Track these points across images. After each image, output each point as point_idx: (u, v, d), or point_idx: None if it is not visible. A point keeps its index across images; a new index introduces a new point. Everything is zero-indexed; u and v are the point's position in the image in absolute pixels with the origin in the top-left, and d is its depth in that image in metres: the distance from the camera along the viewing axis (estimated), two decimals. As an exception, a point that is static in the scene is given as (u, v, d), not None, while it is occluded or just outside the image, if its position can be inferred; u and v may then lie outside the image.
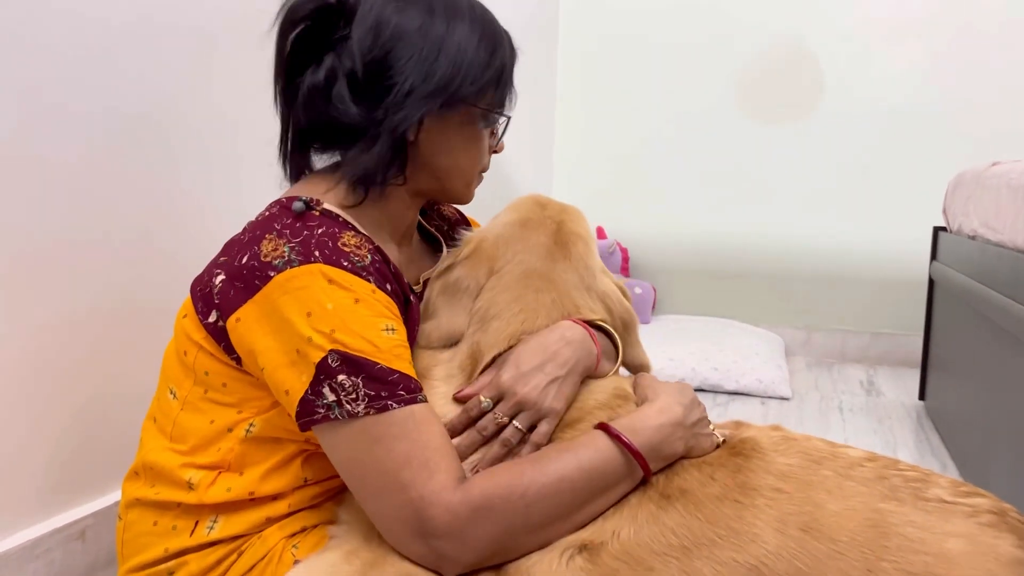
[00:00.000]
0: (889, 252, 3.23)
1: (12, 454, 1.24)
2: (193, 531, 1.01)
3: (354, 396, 0.89)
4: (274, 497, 1.02)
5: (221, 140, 1.58)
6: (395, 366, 0.91)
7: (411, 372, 0.93)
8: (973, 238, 2.06)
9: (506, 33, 1.10)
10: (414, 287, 1.14)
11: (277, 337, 0.92)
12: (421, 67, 1.00)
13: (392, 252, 1.11)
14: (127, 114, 1.37)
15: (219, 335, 0.98)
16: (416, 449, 0.88)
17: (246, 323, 0.94)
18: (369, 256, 0.97)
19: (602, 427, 0.94)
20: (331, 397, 0.89)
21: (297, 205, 0.99)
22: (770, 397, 2.74)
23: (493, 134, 1.15)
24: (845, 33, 3.21)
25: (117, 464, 1.31)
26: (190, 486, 1.01)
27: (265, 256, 0.94)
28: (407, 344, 0.97)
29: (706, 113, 3.42)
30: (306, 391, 0.90)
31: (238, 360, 0.98)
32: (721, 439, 1.01)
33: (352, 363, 0.89)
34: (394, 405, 0.89)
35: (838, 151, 3.26)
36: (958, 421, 2.14)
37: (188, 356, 1.03)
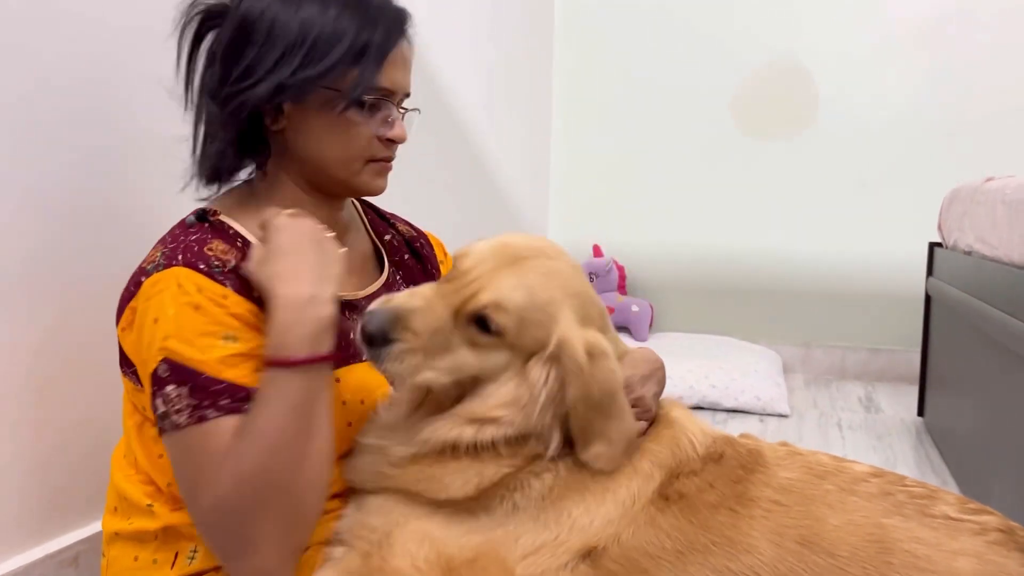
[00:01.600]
0: (886, 268, 3.23)
1: (4, 479, 1.22)
2: (174, 563, 0.99)
3: (179, 408, 0.89)
4: None
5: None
6: (224, 376, 0.90)
7: (245, 381, 0.91)
8: (969, 253, 2.07)
9: (390, 12, 1.05)
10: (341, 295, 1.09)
11: (138, 344, 0.95)
12: (258, 50, 0.99)
13: None
14: (117, 142, 1.37)
15: (121, 351, 1.01)
16: (208, 460, 0.88)
17: (126, 329, 0.97)
18: (234, 261, 0.97)
19: (266, 364, 0.90)
20: (161, 409, 0.90)
21: (189, 218, 1.02)
22: (769, 414, 2.73)
23: (387, 121, 1.07)
24: (841, 51, 3.24)
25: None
26: (153, 513, 1.01)
27: (144, 263, 0.98)
28: (253, 353, 0.94)
29: (703, 130, 3.43)
30: (151, 404, 0.92)
31: (135, 373, 0.99)
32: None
33: (179, 372, 0.90)
34: (213, 414, 0.89)
35: (834, 168, 3.28)
36: (957, 437, 2.14)
37: (128, 392, 1.05)
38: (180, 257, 0.95)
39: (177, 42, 1.05)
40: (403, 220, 1.34)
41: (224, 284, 0.95)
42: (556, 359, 0.91)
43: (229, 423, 0.89)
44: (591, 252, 3.54)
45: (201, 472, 0.88)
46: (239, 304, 0.95)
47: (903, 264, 3.15)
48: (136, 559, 1.02)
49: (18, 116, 1.19)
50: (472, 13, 2.84)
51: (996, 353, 1.72)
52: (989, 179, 2.04)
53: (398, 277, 1.23)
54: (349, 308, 1.10)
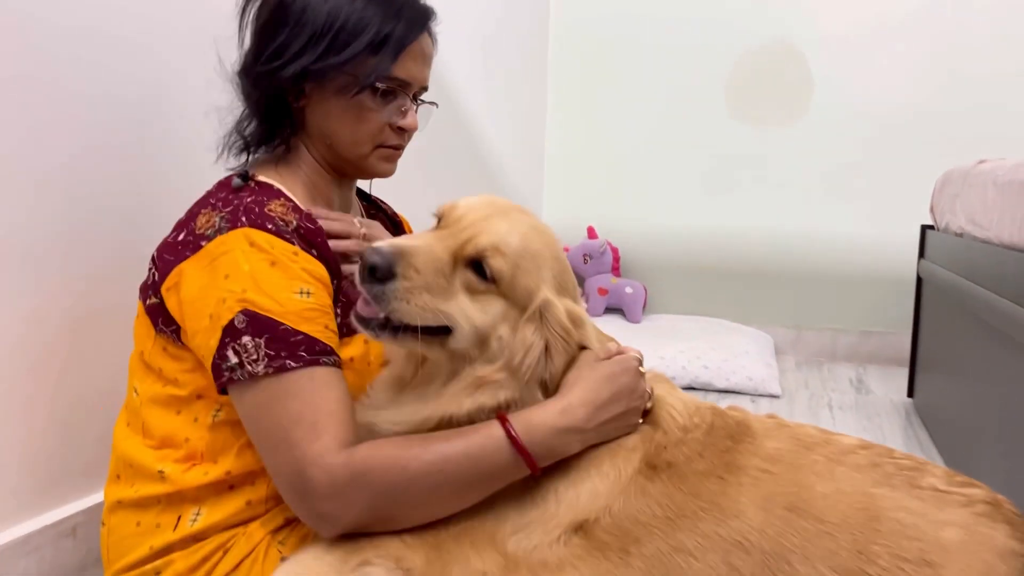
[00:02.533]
0: (878, 250, 3.25)
1: (3, 451, 1.23)
2: (176, 525, 1.01)
3: (255, 357, 0.91)
4: (251, 477, 1.03)
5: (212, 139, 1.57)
6: (302, 328, 0.93)
7: (320, 336, 0.95)
8: (960, 235, 2.08)
9: (414, 7, 1.11)
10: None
11: (199, 303, 0.96)
12: (288, 33, 1.05)
13: None
14: (117, 114, 1.36)
15: (156, 312, 1.02)
16: (308, 410, 0.90)
17: (176, 288, 0.99)
18: (295, 221, 1.01)
19: (500, 418, 0.92)
20: (233, 360, 0.92)
21: (236, 182, 1.05)
22: (760, 395, 2.75)
23: (400, 110, 1.14)
24: (834, 35, 3.23)
25: (108, 462, 1.30)
26: (164, 477, 1.02)
27: (199, 229, 1.00)
28: (325, 309, 0.99)
29: (696, 113, 3.43)
30: (215, 355, 0.93)
31: (176, 332, 1.01)
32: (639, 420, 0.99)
33: (257, 323, 0.92)
34: (292, 364, 0.91)
35: (827, 151, 3.28)
36: (946, 418, 2.16)
37: (145, 354, 1.06)
38: (244, 219, 0.98)
39: (239, 21, 1.11)
40: (383, 201, 1.42)
41: (292, 242, 0.99)
42: (539, 319, 0.95)
43: (312, 374, 0.92)
44: (585, 234, 3.54)
45: (294, 426, 0.89)
46: (308, 261, 0.99)
47: (895, 246, 3.16)
48: (138, 524, 1.03)
49: (32, 98, 1.19)
50: (468, -8, 2.82)
51: (986, 335, 1.74)
52: (981, 161, 2.05)
53: None
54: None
